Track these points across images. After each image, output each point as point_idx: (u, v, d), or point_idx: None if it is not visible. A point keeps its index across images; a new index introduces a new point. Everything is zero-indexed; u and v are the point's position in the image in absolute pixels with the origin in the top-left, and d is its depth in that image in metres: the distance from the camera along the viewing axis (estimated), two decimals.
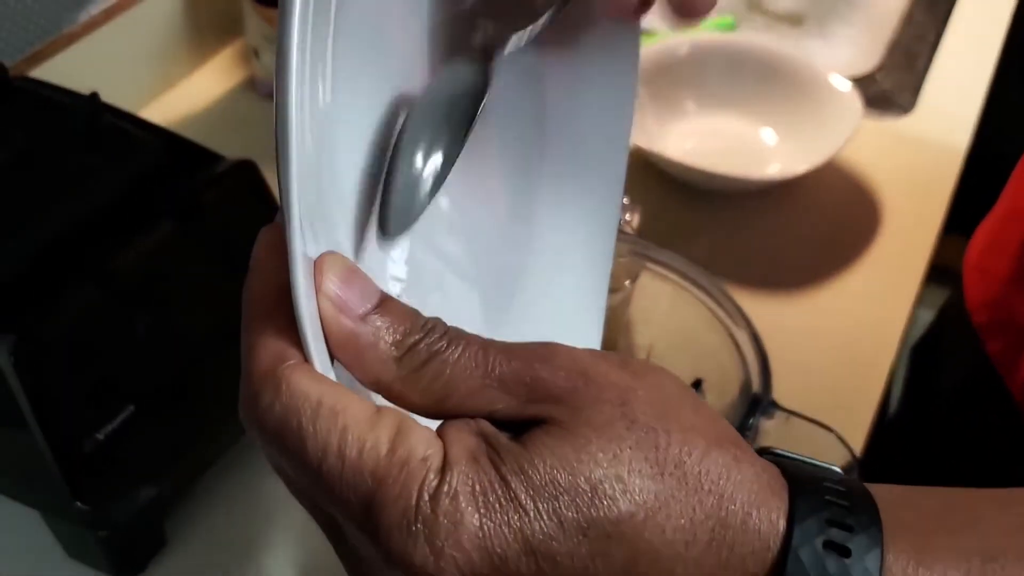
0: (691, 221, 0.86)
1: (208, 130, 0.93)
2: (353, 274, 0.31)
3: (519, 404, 0.30)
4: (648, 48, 0.95)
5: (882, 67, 1.05)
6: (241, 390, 0.31)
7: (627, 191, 0.77)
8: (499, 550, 0.27)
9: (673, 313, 0.52)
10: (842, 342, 0.77)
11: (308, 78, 0.29)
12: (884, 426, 0.88)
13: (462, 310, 0.33)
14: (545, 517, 0.28)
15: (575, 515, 0.28)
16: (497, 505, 0.28)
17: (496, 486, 0.28)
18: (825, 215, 0.88)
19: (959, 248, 0.85)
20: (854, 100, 0.89)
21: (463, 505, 0.27)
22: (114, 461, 0.55)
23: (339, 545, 0.31)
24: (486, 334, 0.31)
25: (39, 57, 0.86)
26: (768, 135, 0.94)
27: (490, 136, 0.42)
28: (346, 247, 0.34)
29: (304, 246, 0.29)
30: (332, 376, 0.30)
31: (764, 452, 0.34)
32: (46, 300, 0.52)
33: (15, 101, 0.61)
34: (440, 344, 0.30)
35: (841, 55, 1.07)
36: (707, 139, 0.94)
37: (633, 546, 0.28)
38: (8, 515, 0.62)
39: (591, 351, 0.32)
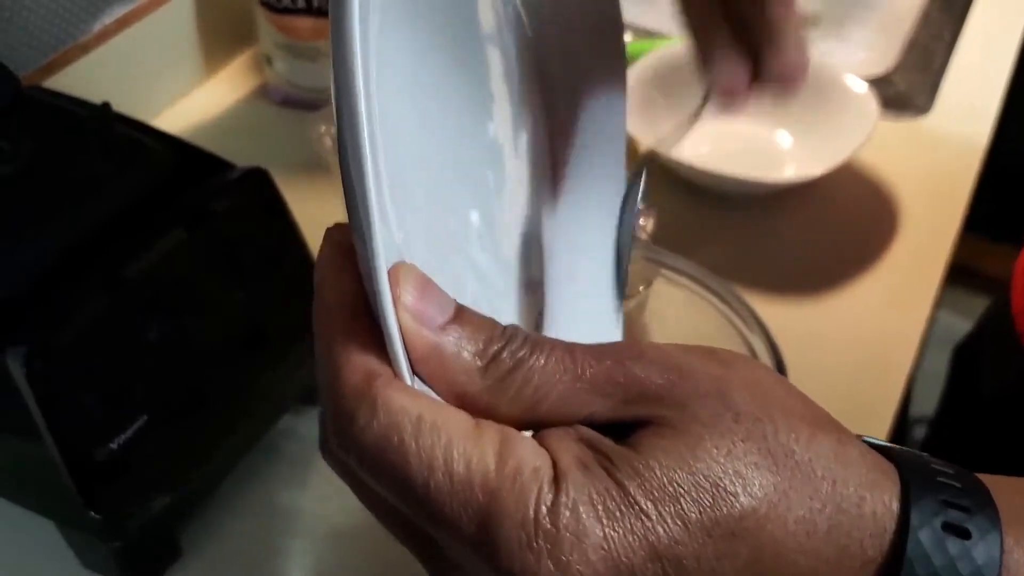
0: (706, 225, 0.86)
1: (221, 138, 0.93)
2: (428, 284, 0.29)
3: (616, 405, 0.29)
4: (661, 51, 0.95)
5: (898, 68, 1.04)
6: (328, 414, 0.29)
7: (642, 195, 0.77)
8: (625, 559, 0.26)
9: (688, 319, 0.51)
10: (860, 346, 0.77)
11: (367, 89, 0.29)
12: (931, 428, 0.87)
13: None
14: (669, 521, 0.26)
15: (699, 516, 0.27)
16: (618, 513, 0.26)
17: (614, 493, 0.26)
18: (842, 218, 0.88)
19: (977, 248, 0.84)
20: (870, 101, 0.89)
21: (584, 516, 0.26)
22: (127, 471, 0.55)
23: (437, 570, 0.30)
24: None
25: (52, 67, 0.86)
26: (783, 137, 0.94)
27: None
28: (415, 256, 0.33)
29: (386, 255, 0.28)
30: (426, 391, 0.29)
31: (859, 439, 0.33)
32: (58, 310, 0.52)
33: (28, 111, 0.61)
34: (524, 351, 0.29)
35: (857, 56, 1.06)
36: (722, 142, 0.94)
37: (757, 542, 0.27)
38: (23, 525, 0.62)
39: (676, 345, 0.30)
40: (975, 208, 0.90)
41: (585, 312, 0.43)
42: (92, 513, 0.54)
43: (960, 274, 0.87)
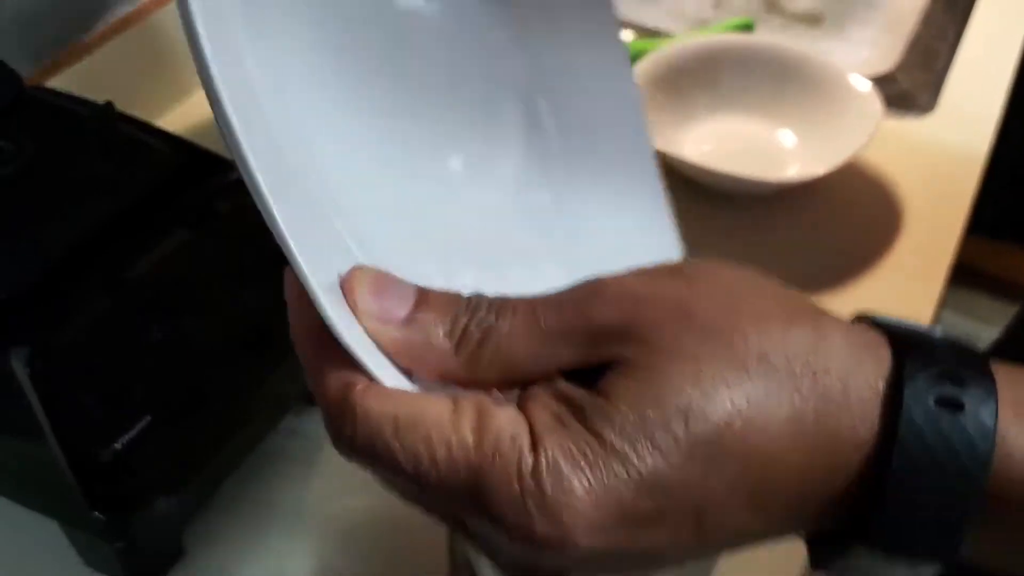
0: (709, 224, 0.85)
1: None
2: (383, 281, 0.31)
3: (581, 352, 0.29)
4: (663, 50, 0.95)
5: (901, 66, 1.04)
6: (325, 425, 0.32)
7: None
8: (614, 501, 0.27)
9: None
10: None
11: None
12: None
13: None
14: (648, 456, 0.27)
15: (675, 444, 0.28)
16: (598, 460, 0.27)
17: (590, 443, 0.28)
18: (845, 216, 0.88)
19: (980, 248, 0.84)
20: (873, 100, 0.89)
21: (566, 472, 0.27)
22: (131, 471, 0.55)
23: (468, 536, 0.32)
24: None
25: (55, 67, 0.86)
26: (786, 136, 0.93)
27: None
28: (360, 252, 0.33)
29: (318, 278, 0.29)
30: (407, 384, 0.30)
31: (862, 318, 0.34)
32: (61, 310, 0.52)
33: (30, 110, 0.61)
34: (489, 318, 0.30)
35: (860, 55, 1.06)
36: (724, 141, 0.94)
37: (742, 454, 0.28)
38: (26, 525, 0.62)
39: (639, 271, 0.31)
40: (978, 209, 0.89)
41: (634, 232, 0.43)
42: (96, 513, 0.54)
43: (963, 274, 0.87)
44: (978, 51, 1.06)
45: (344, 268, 0.31)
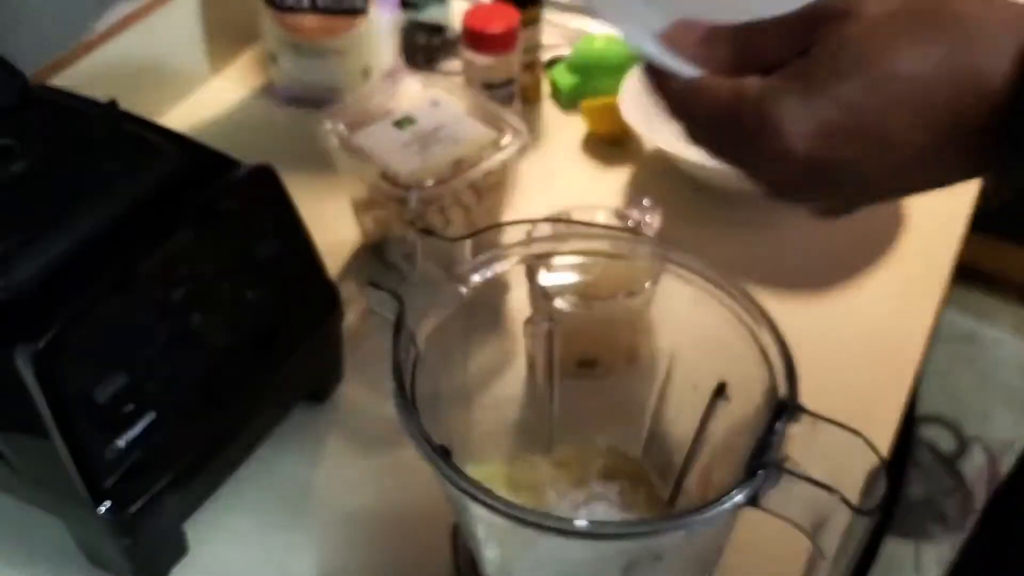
0: (712, 222, 0.85)
1: (226, 137, 0.93)
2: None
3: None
4: None
5: None
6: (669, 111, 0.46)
7: (647, 191, 0.77)
8: (822, 118, 0.40)
9: (695, 316, 0.51)
10: (868, 342, 0.77)
11: None
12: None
13: None
14: (845, 84, 0.39)
15: (863, 75, 0.39)
16: (809, 90, 0.40)
17: (804, 79, 0.40)
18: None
19: (980, 245, 0.83)
20: None
21: (788, 98, 0.40)
22: (136, 468, 0.55)
23: (728, 148, 0.45)
24: None
25: (58, 66, 0.86)
26: None
27: None
28: None
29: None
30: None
31: None
32: (66, 308, 0.52)
33: (35, 109, 0.61)
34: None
35: None
36: None
37: (907, 78, 0.39)
38: (31, 522, 0.62)
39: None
40: (978, 206, 0.89)
41: None
42: (101, 511, 0.54)
43: (964, 272, 0.87)
44: None
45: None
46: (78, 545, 0.61)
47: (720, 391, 0.51)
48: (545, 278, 0.58)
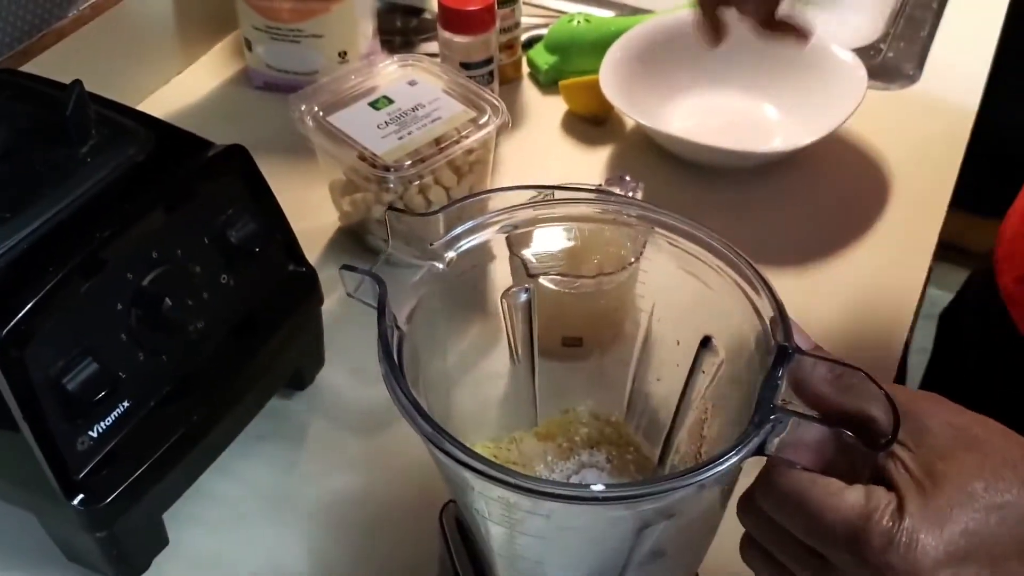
0: (695, 198, 0.84)
1: (203, 123, 0.91)
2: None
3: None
4: (645, 26, 0.93)
5: (886, 37, 1.03)
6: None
7: (629, 170, 0.76)
8: (951, 545, 0.40)
9: (673, 272, 0.51)
10: (855, 316, 0.76)
11: None
12: None
13: None
14: (971, 515, 0.41)
15: (984, 507, 0.41)
16: (942, 519, 0.40)
17: (934, 507, 0.41)
18: (833, 188, 0.87)
19: (961, 222, 0.83)
20: (858, 71, 0.88)
21: (922, 530, 0.40)
22: (109, 459, 0.54)
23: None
24: None
25: (27, 54, 0.84)
26: (771, 110, 0.92)
27: None
28: None
29: None
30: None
31: None
32: (32, 293, 0.50)
33: (2, 94, 0.60)
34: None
35: (844, 26, 1.05)
36: (709, 116, 0.93)
37: (1015, 519, 0.41)
38: (3, 520, 0.60)
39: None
40: (958, 183, 0.88)
41: None
42: (73, 504, 0.52)
43: (945, 249, 0.86)
44: (961, 20, 1.05)
45: None
46: (54, 541, 0.59)
47: (704, 344, 0.50)
48: (527, 253, 0.56)
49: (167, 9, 0.97)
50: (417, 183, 0.74)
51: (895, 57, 1.00)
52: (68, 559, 0.60)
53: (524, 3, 0.97)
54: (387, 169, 0.72)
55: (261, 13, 0.93)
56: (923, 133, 0.91)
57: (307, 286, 0.66)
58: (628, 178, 0.71)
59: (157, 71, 0.98)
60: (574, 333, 0.63)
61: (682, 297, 0.52)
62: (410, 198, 0.74)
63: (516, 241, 0.57)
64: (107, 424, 0.53)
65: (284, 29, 0.93)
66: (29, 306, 0.50)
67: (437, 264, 0.51)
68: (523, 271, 0.58)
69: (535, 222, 0.53)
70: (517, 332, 0.56)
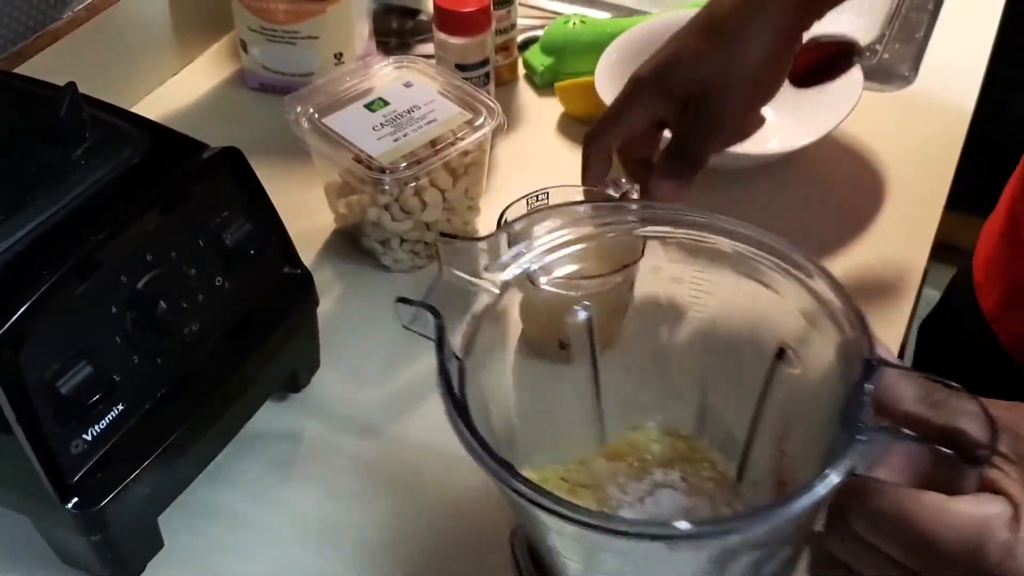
0: (691, 200, 0.84)
1: (198, 125, 0.91)
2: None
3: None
4: (640, 27, 0.93)
5: (882, 39, 1.03)
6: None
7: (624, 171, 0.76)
8: None
9: (737, 281, 0.49)
10: None
11: None
12: None
13: None
14: None
15: None
16: None
17: None
18: (829, 190, 0.87)
19: (964, 226, 0.83)
20: (854, 72, 0.87)
21: None
22: (104, 462, 0.54)
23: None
24: None
25: (23, 55, 0.84)
26: (767, 111, 0.92)
27: None
28: None
29: None
30: None
31: None
32: (26, 296, 0.50)
33: None
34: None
35: (840, 27, 1.05)
36: None
37: None
38: None
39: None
40: (961, 188, 0.89)
41: None
42: (67, 507, 0.52)
43: (940, 248, 0.86)
44: (958, 21, 1.05)
45: None
46: (49, 545, 0.59)
47: (781, 355, 0.48)
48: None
49: (163, 10, 0.97)
50: (412, 185, 0.73)
51: (891, 59, 1.00)
52: (63, 562, 0.60)
53: (520, 4, 0.96)
54: (382, 171, 0.72)
55: (257, 14, 0.93)
56: (919, 134, 0.91)
57: (302, 288, 0.65)
58: (624, 180, 0.71)
59: (153, 72, 0.98)
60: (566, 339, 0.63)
61: (752, 305, 0.50)
62: (405, 200, 0.74)
63: (514, 239, 0.56)
64: (102, 427, 0.53)
65: (280, 30, 0.93)
66: (23, 309, 0.49)
67: (492, 288, 0.50)
68: (527, 278, 0.57)
69: (590, 239, 0.52)
70: (578, 349, 0.55)
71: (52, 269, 0.51)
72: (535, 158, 0.90)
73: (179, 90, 0.98)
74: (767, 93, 0.69)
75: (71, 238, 0.53)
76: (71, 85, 0.56)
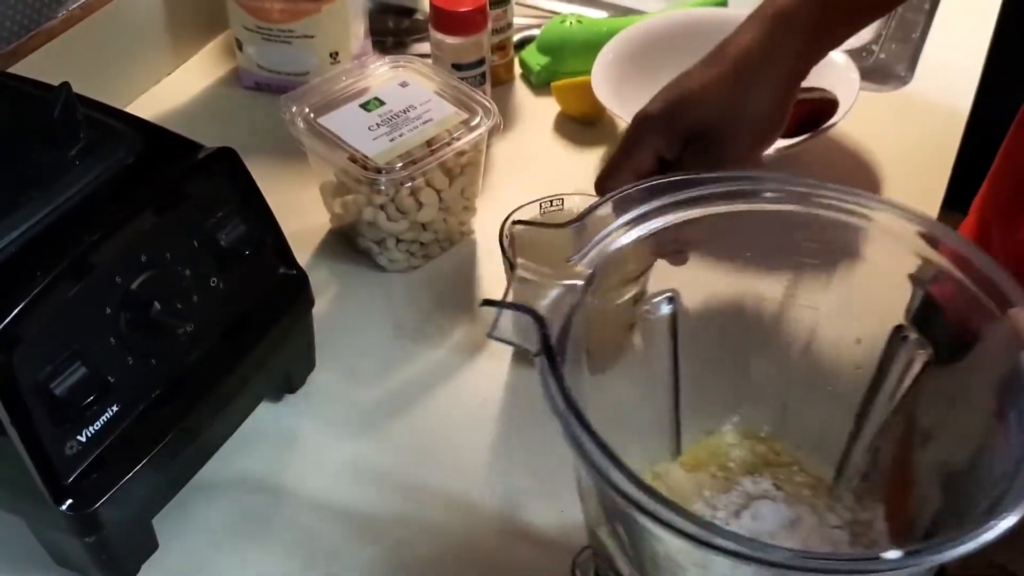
0: None
1: (193, 124, 0.91)
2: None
3: None
4: (637, 27, 0.93)
5: (878, 39, 1.03)
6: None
7: None
8: None
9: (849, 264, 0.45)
10: None
11: None
12: None
13: None
14: None
15: None
16: None
17: None
18: None
19: (955, 224, 0.83)
20: (851, 72, 0.87)
21: None
22: (98, 463, 0.53)
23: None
24: None
25: (17, 54, 0.84)
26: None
27: None
28: None
29: None
30: None
31: None
32: (23, 298, 0.50)
33: None
34: None
35: None
36: None
37: None
38: None
39: None
40: (958, 188, 0.88)
41: None
42: (62, 509, 0.52)
43: None
44: (954, 21, 1.05)
45: None
46: (43, 546, 0.59)
47: (901, 336, 0.44)
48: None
49: (157, 9, 0.96)
50: (408, 185, 0.73)
51: (887, 58, 1.00)
52: (57, 564, 0.59)
53: (516, 4, 0.96)
54: (378, 171, 0.72)
55: (252, 13, 0.92)
56: (915, 134, 0.91)
57: (297, 289, 0.65)
58: None
59: (147, 71, 0.98)
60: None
61: (863, 283, 0.45)
62: (401, 200, 0.74)
63: (511, 239, 0.54)
64: (96, 428, 0.53)
65: (275, 29, 0.93)
66: (17, 310, 0.49)
67: (576, 281, 0.44)
68: (510, 271, 0.55)
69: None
70: (657, 349, 0.50)
71: (46, 270, 0.51)
72: (532, 158, 0.90)
73: (174, 89, 0.98)
74: (772, 137, 0.69)
75: (65, 239, 0.53)
76: (65, 85, 0.56)
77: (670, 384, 0.50)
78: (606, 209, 0.47)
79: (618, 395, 0.50)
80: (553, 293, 0.42)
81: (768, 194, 0.47)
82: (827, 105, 0.80)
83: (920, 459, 0.45)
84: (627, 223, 0.46)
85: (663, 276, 0.50)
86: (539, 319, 0.40)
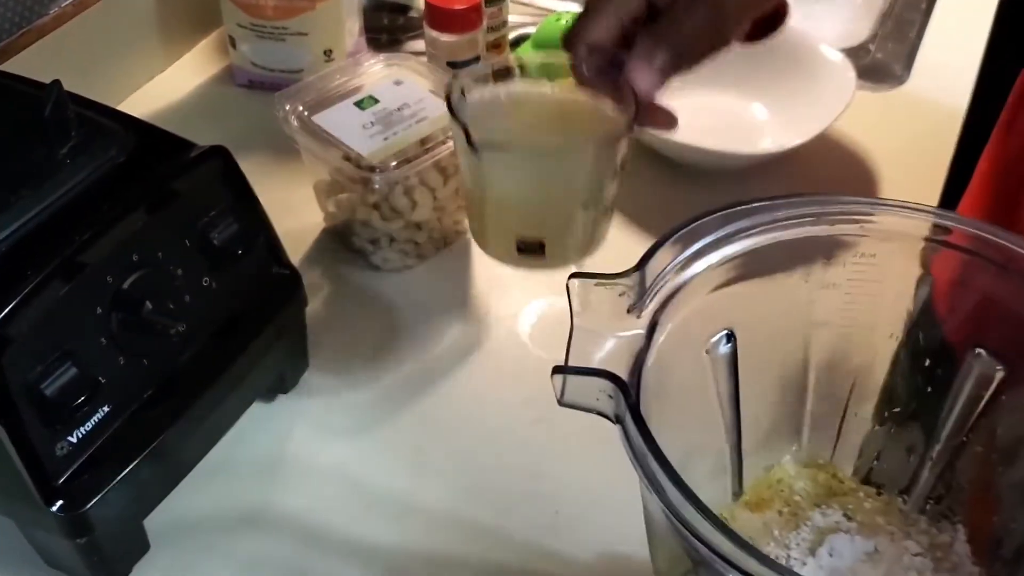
0: (684, 200, 0.84)
1: (186, 122, 0.90)
2: None
3: None
4: None
5: (875, 38, 1.02)
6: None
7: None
8: None
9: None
10: None
11: None
12: None
13: None
14: None
15: None
16: None
17: None
18: (822, 188, 0.86)
19: None
20: (847, 71, 0.87)
21: None
22: (89, 464, 0.53)
23: None
24: None
25: (7, 52, 0.83)
26: (759, 110, 0.92)
27: None
28: None
29: None
30: None
31: None
32: (13, 298, 0.49)
33: None
34: None
35: (833, 26, 1.05)
36: (697, 116, 0.91)
37: None
38: None
39: None
40: (955, 188, 0.88)
41: None
42: (52, 510, 0.52)
43: None
44: (951, 20, 1.05)
45: None
46: (34, 547, 0.58)
47: (974, 352, 0.42)
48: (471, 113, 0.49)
49: (149, 7, 0.96)
50: (402, 184, 0.73)
51: (884, 58, 1.00)
52: (48, 565, 0.59)
53: (511, 2, 0.96)
54: (372, 170, 0.71)
55: (245, 10, 0.92)
56: (912, 133, 0.91)
57: (291, 288, 0.65)
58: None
59: (140, 69, 0.97)
60: (532, 233, 0.55)
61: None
62: (395, 199, 0.74)
63: (459, 105, 0.52)
64: (87, 429, 0.53)
65: (269, 27, 0.92)
66: (7, 310, 0.49)
67: (638, 331, 0.41)
68: (464, 139, 0.51)
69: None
70: (719, 389, 0.47)
71: (37, 269, 0.50)
72: None
73: (166, 87, 0.97)
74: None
75: (56, 238, 0.52)
76: (56, 83, 0.56)
77: (732, 423, 0.47)
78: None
79: (685, 442, 0.45)
80: (610, 345, 0.39)
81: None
82: (780, 7, 0.71)
83: (1004, 478, 0.44)
84: (685, 260, 0.44)
85: (719, 315, 0.48)
86: (621, 384, 0.37)
